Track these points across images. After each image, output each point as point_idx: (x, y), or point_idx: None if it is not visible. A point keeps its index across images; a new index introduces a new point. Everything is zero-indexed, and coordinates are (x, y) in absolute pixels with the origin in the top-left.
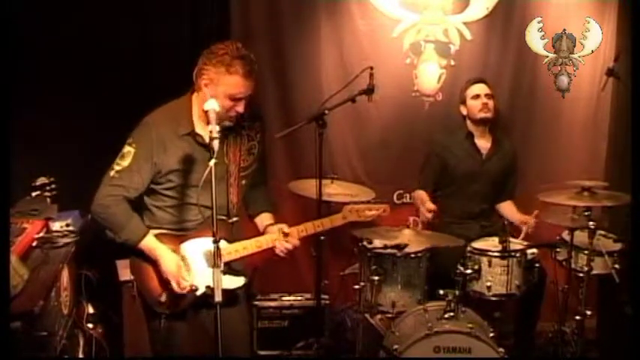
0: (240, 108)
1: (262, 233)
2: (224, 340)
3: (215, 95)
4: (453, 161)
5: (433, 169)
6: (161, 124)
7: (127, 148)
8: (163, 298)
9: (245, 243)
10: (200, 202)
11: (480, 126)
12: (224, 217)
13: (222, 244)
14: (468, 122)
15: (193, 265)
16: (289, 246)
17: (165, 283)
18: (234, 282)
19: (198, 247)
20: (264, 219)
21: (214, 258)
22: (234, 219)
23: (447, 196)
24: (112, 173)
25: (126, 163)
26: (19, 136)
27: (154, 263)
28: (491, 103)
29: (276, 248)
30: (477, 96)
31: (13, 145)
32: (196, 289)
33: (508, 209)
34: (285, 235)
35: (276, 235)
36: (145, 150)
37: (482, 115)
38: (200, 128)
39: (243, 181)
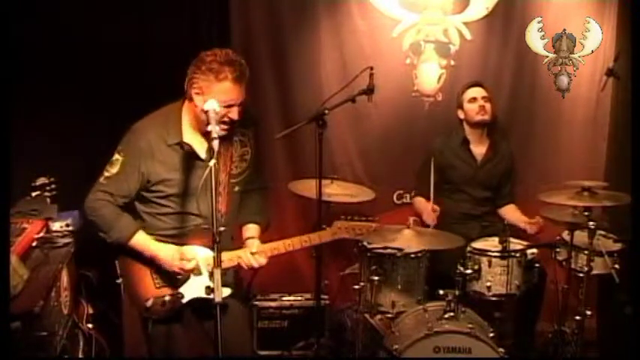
0: (234, 114)
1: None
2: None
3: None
4: (448, 167)
5: (429, 174)
6: (150, 132)
7: (115, 156)
8: (149, 304)
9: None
10: (191, 210)
11: (477, 129)
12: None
13: (206, 253)
14: (465, 126)
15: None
16: (255, 264)
17: (151, 288)
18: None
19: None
20: (247, 231)
21: (215, 258)
22: (222, 228)
23: (446, 198)
24: (101, 179)
25: (114, 170)
26: (19, 136)
27: (142, 267)
28: (488, 105)
29: (242, 262)
30: (474, 99)
31: (13, 145)
32: (182, 297)
33: (512, 214)
34: (253, 253)
35: (245, 251)
36: (133, 159)
37: (479, 117)
38: (189, 137)
39: (236, 188)
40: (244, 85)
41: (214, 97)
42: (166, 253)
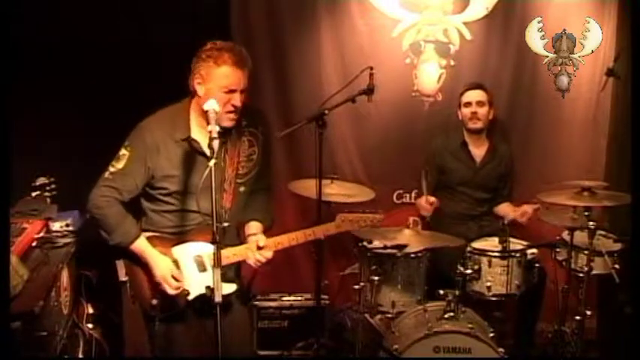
0: (237, 101)
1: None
2: (222, 345)
3: (209, 91)
4: (448, 168)
5: (431, 174)
6: (157, 128)
7: (122, 151)
8: (155, 302)
9: (226, 252)
10: (194, 208)
11: (472, 134)
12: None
13: (209, 249)
14: (464, 128)
15: (184, 269)
16: (262, 259)
17: (157, 286)
18: (225, 288)
19: (189, 251)
20: (249, 228)
21: (214, 258)
22: (225, 224)
23: (446, 199)
24: (106, 174)
25: (120, 165)
26: (19, 136)
27: (146, 266)
28: (481, 111)
29: (249, 259)
30: (469, 104)
31: (13, 145)
32: (188, 294)
33: (504, 209)
34: (260, 248)
35: (251, 245)
36: (139, 154)
37: (471, 125)
38: (197, 134)
39: (242, 188)
40: (246, 72)
41: (215, 82)
42: (160, 266)
